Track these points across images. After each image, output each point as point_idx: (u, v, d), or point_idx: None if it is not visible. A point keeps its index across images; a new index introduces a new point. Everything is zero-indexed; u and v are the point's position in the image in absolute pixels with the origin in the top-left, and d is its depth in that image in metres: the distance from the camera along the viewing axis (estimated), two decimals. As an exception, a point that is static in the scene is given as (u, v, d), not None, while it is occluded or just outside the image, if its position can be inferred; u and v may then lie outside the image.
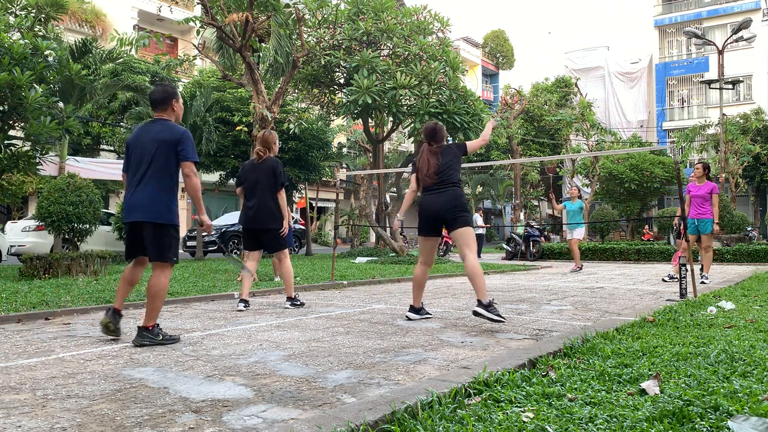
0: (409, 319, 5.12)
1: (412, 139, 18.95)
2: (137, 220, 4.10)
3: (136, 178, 4.12)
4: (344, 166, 30.81)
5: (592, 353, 3.37)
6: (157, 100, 4.25)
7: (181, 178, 4.22)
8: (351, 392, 2.81)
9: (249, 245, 6.22)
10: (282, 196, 6.08)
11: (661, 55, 39.39)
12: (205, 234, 17.78)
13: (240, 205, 7.21)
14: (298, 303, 6.13)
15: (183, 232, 27.12)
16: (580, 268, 12.29)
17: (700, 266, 9.02)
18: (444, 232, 5.67)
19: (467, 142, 5.19)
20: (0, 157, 8.69)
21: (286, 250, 6.25)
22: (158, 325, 4.12)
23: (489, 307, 4.54)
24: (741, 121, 28.40)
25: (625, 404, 2.39)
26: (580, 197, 12.74)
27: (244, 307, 5.90)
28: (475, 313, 4.58)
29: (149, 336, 4.01)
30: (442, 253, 19.20)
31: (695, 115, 36.71)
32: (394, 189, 22.33)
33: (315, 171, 21.44)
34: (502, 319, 4.54)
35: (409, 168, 5.62)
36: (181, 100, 4.40)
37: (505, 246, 19.13)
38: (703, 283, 8.46)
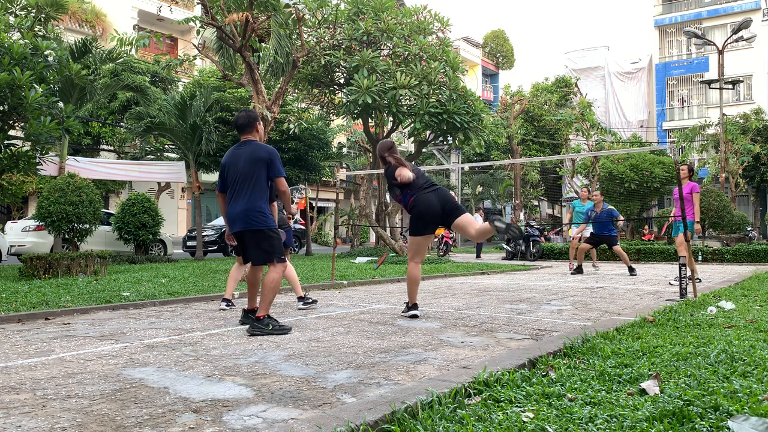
0: (416, 317, 5.23)
1: (412, 139, 18.96)
2: (239, 230, 4.64)
3: (235, 193, 4.66)
4: (344, 166, 30.80)
5: (592, 353, 3.37)
6: (243, 124, 4.76)
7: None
8: (351, 392, 2.81)
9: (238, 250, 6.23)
10: (274, 206, 6.27)
11: (661, 55, 39.38)
12: (205, 234, 17.79)
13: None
14: (310, 301, 6.11)
15: (183, 231, 27.13)
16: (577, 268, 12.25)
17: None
18: (444, 231, 5.77)
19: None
20: (0, 157, 8.69)
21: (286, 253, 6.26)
22: (269, 315, 4.53)
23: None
24: (741, 121, 28.38)
25: (625, 404, 2.39)
26: (590, 198, 12.34)
27: (227, 306, 5.89)
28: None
29: (260, 326, 4.39)
30: (442, 253, 19.21)
31: (695, 115, 36.69)
32: (394, 189, 22.28)
33: (315, 171, 21.44)
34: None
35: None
36: (261, 122, 4.92)
37: (505, 246, 19.13)
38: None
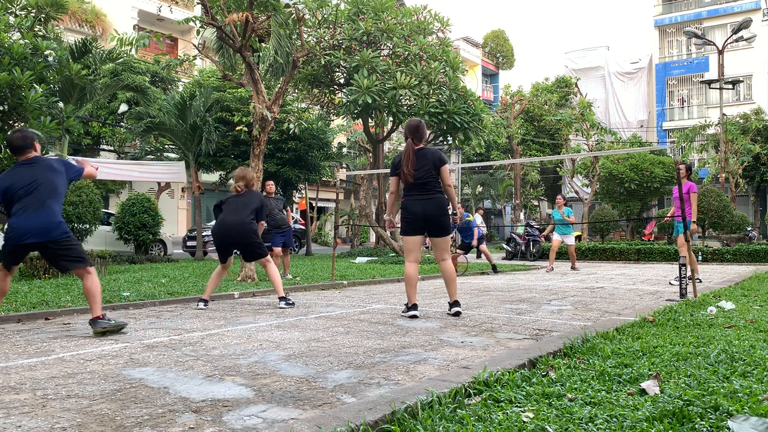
0: (415, 317, 5.20)
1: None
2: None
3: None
4: (344, 166, 30.80)
5: (592, 353, 3.37)
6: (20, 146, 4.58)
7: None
8: (351, 392, 2.81)
9: (224, 257, 6.26)
10: (262, 226, 6.38)
11: (661, 55, 39.38)
12: (205, 234, 17.78)
13: None
14: (291, 302, 6.17)
15: (183, 231, 27.12)
16: (551, 269, 12.59)
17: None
18: None
19: (446, 167, 5.25)
20: (0, 157, 8.69)
21: (268, 255, 6.32)
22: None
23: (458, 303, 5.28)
24: (741, 121, 28.38)
25: (625, 404, 2.39)
26: (566, 205, 12.83)
27: (204, 306, 5.98)
28: (457, 314, 5.22)
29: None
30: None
31: (695, 115, 36.69)
32: (394, 189, 22.30)
33: (315, 171, 21.44)
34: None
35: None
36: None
37: (505, 246, 19.12)
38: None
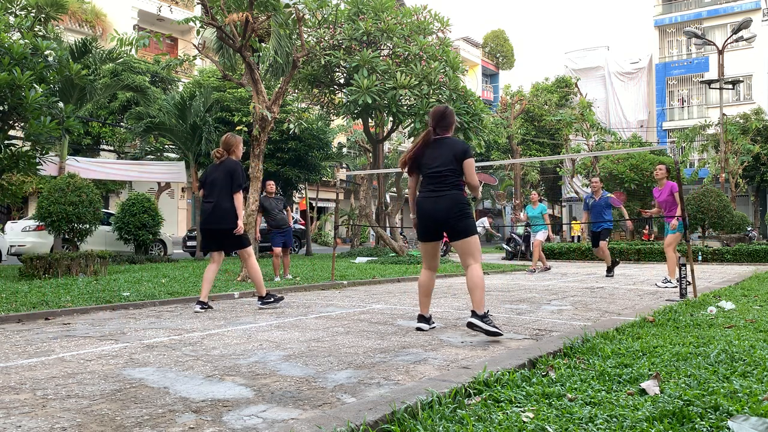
0: (421, 330, 4.59)
1: (412, 139, 18.95)
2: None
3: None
4: (344, 166, 30.79)
5: (592, 353, 3.37)
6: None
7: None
8: (351, 392, 2.81)
9: (207, 245, 6.12)
10: (238, 197, 5.96)
11: (661, 55, 39.38)
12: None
13: None
14: (271, 300, 6.00)
15: (183, 231, 27.11)
16: (548, 269, 12.39)
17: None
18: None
19: (470, 161, 4.41)
20: (0, 157, 8.69)
21: (249, 248, 6.11)
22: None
23: (485, 318, 4.18)
24: (741, 121, 28.38)
25: (625, 404, 2.39)
26: (541, 201, 12.55)
27: (201, 309, 5.76)
28: (470, 325, 4.21)
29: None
30: (442, 253, 19.20)
31: (695, 115, 36.70)
32: (394, 189, 22.33)
33: (315, 171, 21.43)
34: (499, 332, 4.14)
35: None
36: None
37: (505, 246, 19.12)
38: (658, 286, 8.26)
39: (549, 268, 12.50)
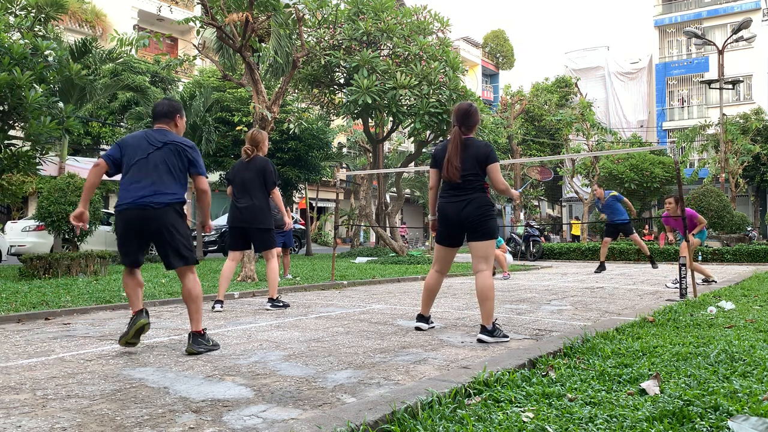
0: (419, 329, 4.60)
1: (412, 139, 18.97)
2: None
3: None
4: (344, 166, 30.80)
5: (592, 353, 3.37)
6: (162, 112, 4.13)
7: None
8: (351, 392, 2.81)
9: (234, 245, 6.07)
10: (276, 194, 5.97)
11: (661, 55, 39.38)
12: (205, 234, 17.79)
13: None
14: (280, 305, 5.98)
15: (183, 232, 27.10)
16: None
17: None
18: None
19: (494, 166, 4.23)
20: (0, 157, 8.69)
21: (274, 251, 6.03)
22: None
23: (494, 332, 4.10)
24: (741, 121, 28.38)
25: (625, 404, 2.39)
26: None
27: (221, 308, 5.85)
28: (480, 341, 4.08)
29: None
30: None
31: (695, 115, 36.69)
32: (394, 189, 22.32)
33: (315, 171, 21.44)
34: (507, 338, 4.13)
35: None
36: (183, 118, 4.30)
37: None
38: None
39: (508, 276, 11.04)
